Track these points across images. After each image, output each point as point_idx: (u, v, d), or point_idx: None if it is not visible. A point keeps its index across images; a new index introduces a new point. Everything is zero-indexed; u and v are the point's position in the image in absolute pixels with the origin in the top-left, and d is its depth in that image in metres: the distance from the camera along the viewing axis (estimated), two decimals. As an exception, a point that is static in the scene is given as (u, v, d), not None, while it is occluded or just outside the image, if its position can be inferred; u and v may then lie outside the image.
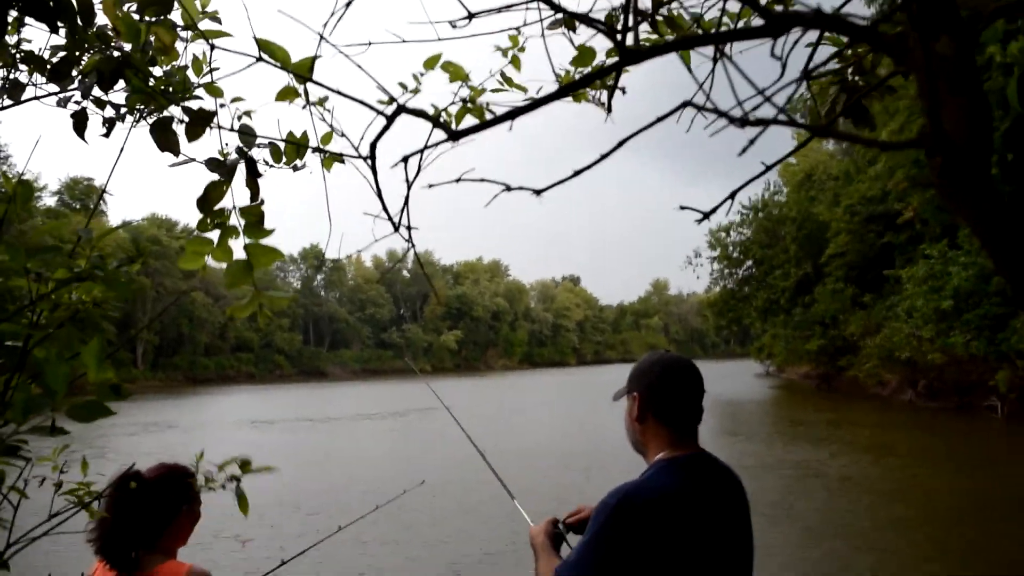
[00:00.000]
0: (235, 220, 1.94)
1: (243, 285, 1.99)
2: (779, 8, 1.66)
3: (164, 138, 1.97)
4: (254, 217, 1.98)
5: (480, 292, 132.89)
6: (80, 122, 2.07)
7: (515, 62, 2.31)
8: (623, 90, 1.87)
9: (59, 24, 1.80)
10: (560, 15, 1.58)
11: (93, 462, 2.10)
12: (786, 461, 18.64)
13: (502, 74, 2.29)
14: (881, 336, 34.53)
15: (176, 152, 1.98)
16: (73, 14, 1.77)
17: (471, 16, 1.69)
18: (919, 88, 1.06)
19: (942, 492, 14.58)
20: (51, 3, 1.69)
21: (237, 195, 2.01)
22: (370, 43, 1.66)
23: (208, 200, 1.97)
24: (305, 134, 2.03)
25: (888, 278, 36.93)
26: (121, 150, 2.08)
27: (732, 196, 1.86)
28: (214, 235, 1.93)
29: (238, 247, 1.95)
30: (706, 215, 1.80)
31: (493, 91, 2.09)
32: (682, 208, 1.86)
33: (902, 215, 33.93)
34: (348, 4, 1.49)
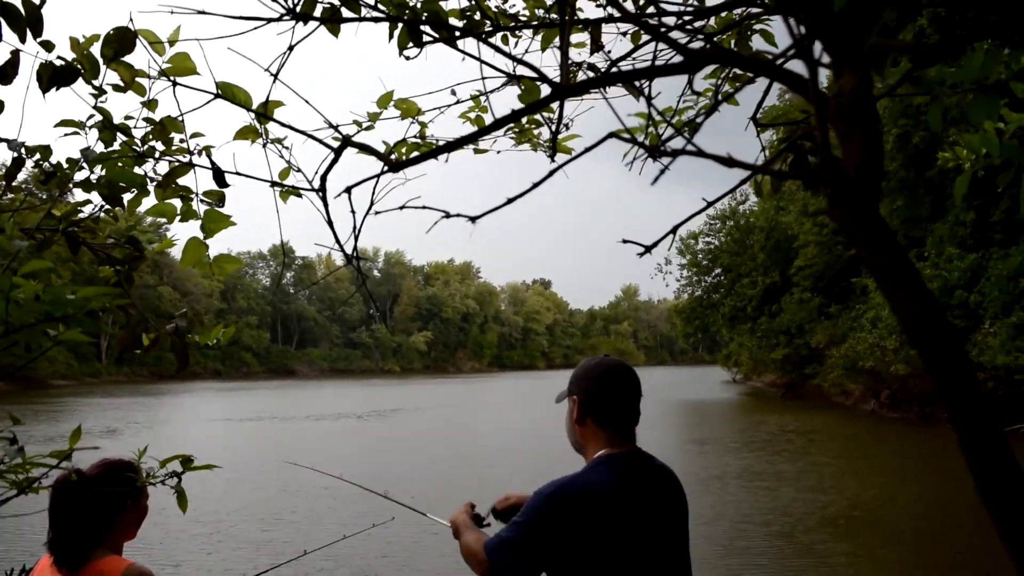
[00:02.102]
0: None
1: (198, 259, 2.20)
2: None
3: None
4: (215, 198, 2.24)
5: (451, 294, 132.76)
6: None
7: (479, 122, 2.41)
8: (567, 126, 1.96)
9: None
10: (510, 73, 1.65)
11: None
12: (739, 469, 18.80)
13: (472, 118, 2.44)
14: (846, 346, 34.92)
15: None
16: (23, 24, 1.80)
17: (422, 45, 1.75)
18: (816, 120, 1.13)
19: (897, 502, 14.79)
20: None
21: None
22: (339, 125, 1.74)
23: (171, 176, 2.25)
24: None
25: (855, 289, 37.36)
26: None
27: (674, 231, 1.92)
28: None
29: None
30: (648, 249, 1.86)
31: (459, 139, 2.20)
32: (624, 242, 1.91)
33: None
34: (291, 48, 1.54)
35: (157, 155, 2.12)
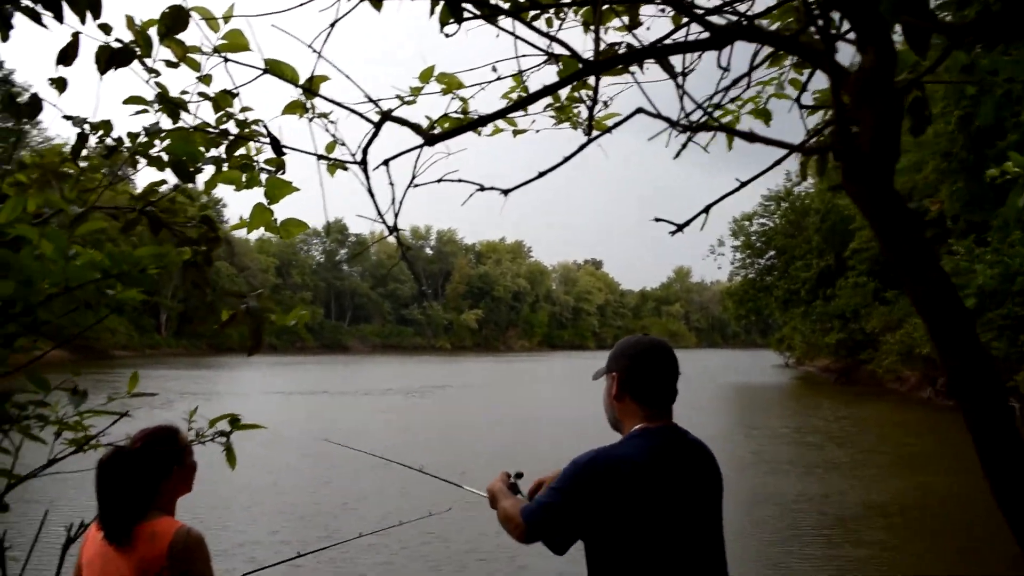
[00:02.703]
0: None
1: (265, 223, 2.32)
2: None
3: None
4: (275, 166, 2.39)
5: (502, 272, 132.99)
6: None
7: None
8: (605, 103, 2.01)
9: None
10: (550, 52, 1.69)
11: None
12: (790, 455, 18.64)
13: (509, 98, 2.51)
14: (902, 332, 34.24)
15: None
16: (83, 5, 1.89)
17: (462, 22, 1.80)
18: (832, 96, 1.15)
19: (952, 492, 14.54)
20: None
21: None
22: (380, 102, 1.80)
23: (233, 146, 2.39)
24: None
25: (912, 274, 36.46)
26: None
27: (707, 210, 1.96)
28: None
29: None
30: (679, 227, 1.91)
31: (495, 112, 2.23)
32: (657, 220, 1.96)
33: (929, 212, 33.59)
34: (333, 24, 1.61)
35: (231, 136, 2.24)
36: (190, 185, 2.45)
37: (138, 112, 2.30)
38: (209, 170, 2.38)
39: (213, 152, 2.37)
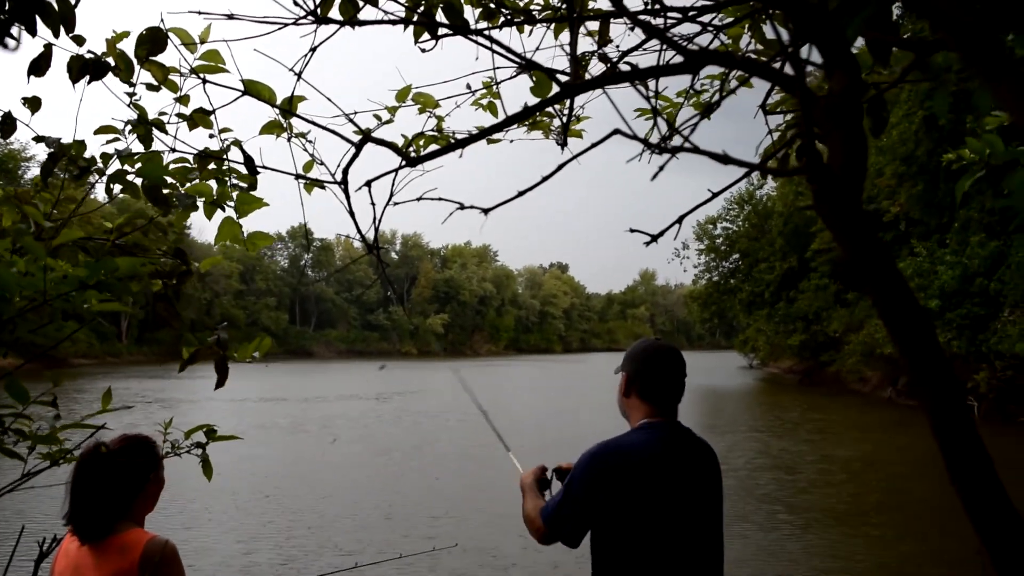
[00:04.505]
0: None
1: (233, 236, 2.33)
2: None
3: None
4: (246, 183, 2.38)
5: (468, 277, 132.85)
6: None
7: (492, 108, 2.56)
8: (577, 117, 2.05)
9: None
10: (521, 63, 1.72)
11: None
12: (758, 456, 18.85)
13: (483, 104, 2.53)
14: (864, 333, 34.77)
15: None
16: (57, 20, 1.88)
17: (437, 39, 1.83)
18: (802, 120, 1.20)
19: (915, 490, 14.81)
20: (34, 8, 1.80)
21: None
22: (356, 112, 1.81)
23: (205, 161, 2.36)
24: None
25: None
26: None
27: (680, 220, 2.00)
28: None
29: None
30: (654, 238, 1.94)
31: (474, 135, 2.24)
32: (632, 231, 2.00)
33: (888, 212, 34.12)
34: (313, 50, 1.63)
35: (205, 151, 2.24)
36: (165, 219, 2.44)
37: (109, 142, 2.29)
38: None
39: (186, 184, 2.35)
